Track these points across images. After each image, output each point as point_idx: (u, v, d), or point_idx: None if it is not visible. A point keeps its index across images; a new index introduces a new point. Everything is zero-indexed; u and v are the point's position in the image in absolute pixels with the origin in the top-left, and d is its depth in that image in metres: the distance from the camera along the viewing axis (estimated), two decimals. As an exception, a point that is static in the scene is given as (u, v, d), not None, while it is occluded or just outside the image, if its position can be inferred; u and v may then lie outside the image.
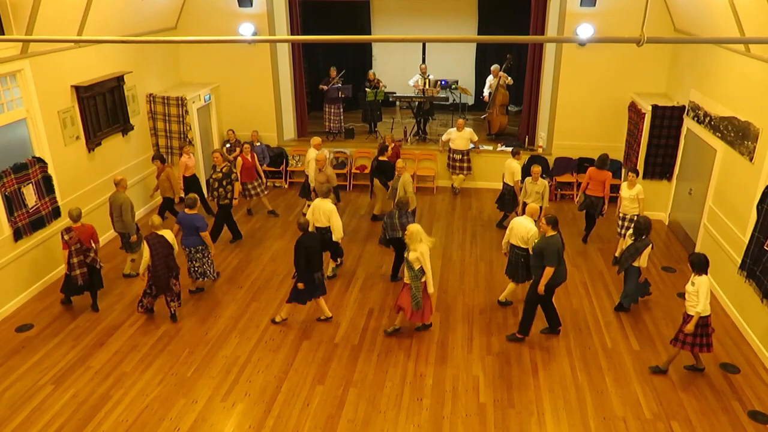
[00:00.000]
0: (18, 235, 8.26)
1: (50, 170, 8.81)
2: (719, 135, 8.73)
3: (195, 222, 8.23)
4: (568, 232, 10.10)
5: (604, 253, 9.80)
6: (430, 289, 7.28)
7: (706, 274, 6.66)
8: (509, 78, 13.27)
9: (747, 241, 7.57)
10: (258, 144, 12.52)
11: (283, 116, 13.32)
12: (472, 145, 12.23)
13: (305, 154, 11.47)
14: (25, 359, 7.26)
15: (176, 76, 12.69)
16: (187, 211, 8.34)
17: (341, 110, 13.59)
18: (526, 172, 12.37)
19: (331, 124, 13.54)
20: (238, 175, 10.37)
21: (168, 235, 7.76)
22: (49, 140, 8.80)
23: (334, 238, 8.61)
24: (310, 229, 8.07)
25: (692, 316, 6.55)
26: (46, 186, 8.72)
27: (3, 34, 7.86)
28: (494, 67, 13.47)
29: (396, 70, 15.19)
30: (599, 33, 11.27)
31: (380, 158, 10.88)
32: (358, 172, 12.92)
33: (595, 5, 11.14)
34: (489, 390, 6.73)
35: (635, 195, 9.00)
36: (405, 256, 7.25)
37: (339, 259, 9.34)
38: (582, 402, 6.54)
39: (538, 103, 12.58)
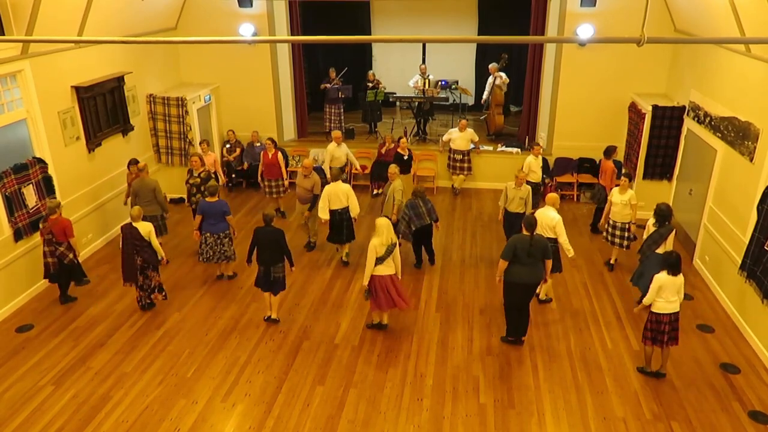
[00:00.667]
0: (18, 235, 8.26)
1: (50, 171, 8.81)
2: (719, 135, 8.73)
3: (222, 207, 8.58)
4: (569, 233, 10.06)
5: (604, 253, 9.79)
6: (364, 282, 7.42)
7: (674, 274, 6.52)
8: (504, 77, 13.26)
9: (747, 242, 7.56)
10: (258, 144, 12.53)
11: (283, 116, 13.32)
12: (472, 146, 12.23)
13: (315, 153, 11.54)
14: (25, 360, 7.27)
15: (176, 77, 12.70)
16: (209, 199, 8.58)
17: (341, 110, 13.59)
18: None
19: (332, 125, 13.54)
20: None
21: (142, 228, 7.84)
22: (49, 141, 8.81)
23: (352, 215, 9.24)
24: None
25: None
26: (46, 186, 8.72)
27: (3, 34, 7.87)
28: (492, 65, 13.48)
29: (396, 70, 15.20)
30: (599, 33, 11.27)
31: (404, 156, 11.22)
32: (358, 172, 12.90)
33: (595, 5, 11.13)
34: (489, 390, 6.73)
35: (627, 200, 8.74)
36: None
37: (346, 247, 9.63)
38: (582, 402, 6.54)
39: (538, 103, 12.59)
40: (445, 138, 12.31)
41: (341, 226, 9.23)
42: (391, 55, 15.86)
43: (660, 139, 10.50)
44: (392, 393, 6.68)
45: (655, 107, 10.37)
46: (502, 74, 13.28)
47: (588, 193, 12.18)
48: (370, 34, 15.50)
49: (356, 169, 11.63)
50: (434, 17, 15.10)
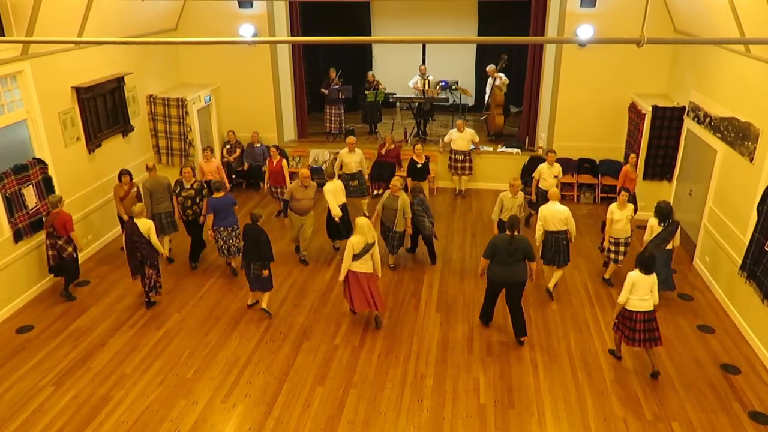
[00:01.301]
0: (18, 236, 8.27)
1: (50, 171, 8.81)
2: (719, 136, 8.73)
3: (231, 200, 8.99)
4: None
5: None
6: (340, 277, 7.72)
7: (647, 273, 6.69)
8: (504, 78, 13.26)
9: (747, 242, 7.57)
10: (258, 145, 12.54)
11: (283, 117, 13.33)
12: (473, 146, 12.22)
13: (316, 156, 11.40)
14: (25, 360, 7.27)
15: (176, 77, 12.70)
16: (216, 195, 8.79)
17: (342, 111, 13.59)
18: (527, 173, 12.43)
19: (332, 125, 13.55)
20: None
21: (142, 224, 8.02)
22: (49, 141, 8.81)
23: (334, 214, 9.39)
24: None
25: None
26: (46, 187, 8.73)
27: (3, 35, 7.88)
28: (489, 67, 13.47)
29: (396, 71, 15.19)
30: (599, 34, 11.27)
31: (418, 165, 11.02)
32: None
33: (595, 6, 11.14)
34: (489, 391, 6.73)
35: (627, 217, 8.44)
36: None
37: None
38: (582, 403, 6.54)
39: (539, 103, 12.58)
40: (446, 139, 12.30)
41: (340, 222, 9.49)
42: (391, 56, 15.86)
43: (660, 139, 10.50)
44: (392, 393, 6.68)
45: (655, 108, 10.37)
46: (502, 75, 13.28)
47: (588, 193, 12.19)
48: (370, 34, 15.50)
49: (366, 179, 11.12)
50: (434, 18, 15.10)
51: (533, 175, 10.38)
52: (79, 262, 8.75)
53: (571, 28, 11.44)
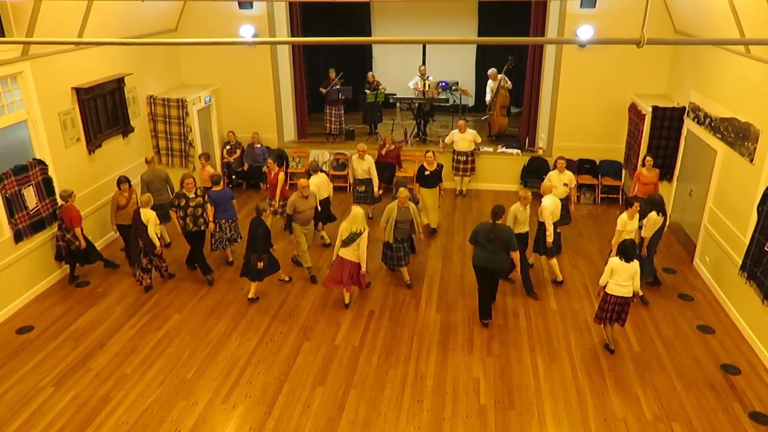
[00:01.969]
0: (18, 237, 8.27)
1: (51, 172, 8.82)
2: (719, 136, 8.73)
3: (230, 194, 9.34)
4: (568, 234, 10.09)
5: (605, 254, 9.78)
6: (332, 257, 8.27)
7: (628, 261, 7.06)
8: (509, 82, 13.25)
9: (747, 243, 7.56)
10: (258, 146, 12.54)
11: (283, 118, 13.33)
12: (474, 147, 12.21)
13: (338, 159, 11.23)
14: (25, 361, 7.27)
15: (177, 78, 12.71)
16: (216, 188, 9.18)
17: (342, 112, 13.59)
18: (526, 173, 12.43)
19: (332, 126, 13.55)
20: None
21: (144, 214, 8.31)
22: (49, 142, 8.81)
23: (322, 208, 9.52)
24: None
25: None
26: (46, 188, 8.73)
27: (3, 36, 7.89)
28: (492, 71, 13.47)
29: (396, 71, 15.20)
30: (599, 34, 11.28)
31: (426, 172, 10.22)
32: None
33: (595, 6, 11.15)
34: (489, 391, 6.72)
35: (635, 228, 8.20)
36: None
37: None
38: (583, 403, 6.53)
39: (539, 104, 12.58)
40: (447, 140, 12.29)
41: (327, 211, 10.00)
42: (392, 57, 15.87)
43: (660, 140, 10.50)
44: (392, 394, 6.68)
45: (655, 108, 10.37)
46: (506, 77, 13.25)
47: (588, 194, 12.18)
48: (370, 35, 15.51)
49: (376, 191, 10.62)
50: (434, 18, 15.11)
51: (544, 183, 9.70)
52: (96, 247, 9.22)
53: (571, 28, 11.44)
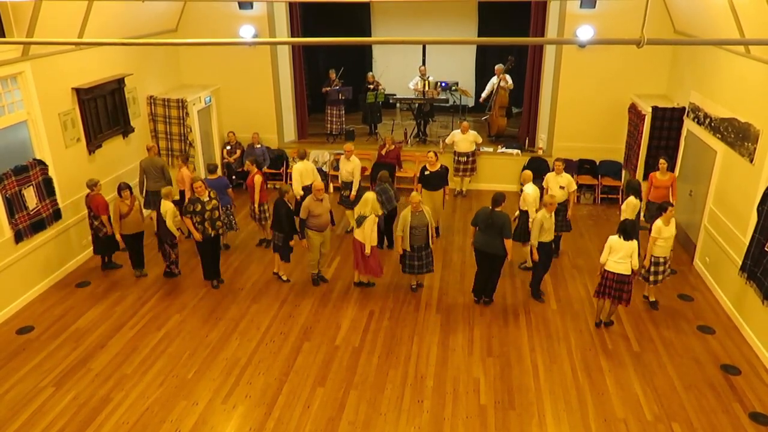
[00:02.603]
0: (19, 237, 8.27)
1: (51, 172, 8.82)
2: (719, 136, 8.73)
3: (225, 182, 9.66)
4: (568, 234, 10.08)
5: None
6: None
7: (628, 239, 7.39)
8: (510, 81, 13.25)
9: (747, 243, 7.57)
10: (259, 146, 12.54)
11: (283, 118, 13.33)
12: (475, 147, 12.21)
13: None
14: (25, 361, 7.27)
15: (177, 78, 12.71)
16: (211, 176, 9.53)
17: (343, 112, 13.59)
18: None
19: (333, 126, 13.56)
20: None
21: (162, 206, 8.60)
22: (49, 142, 8.81)
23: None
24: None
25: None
26: (46, 188, 8.73)
27: (4, 36, 7.89)
28: (498, 66, 13.40)
29: (396, 71, 15.18)
30: (599, 34, 11.28)
31: (426, 172, 10.01)
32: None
33: (595, 7, 11.15)
34: (490, 391, 6.73)
35: (673, 234, 7.96)
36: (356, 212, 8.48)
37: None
38: (583, 403, 6.54)
39: (539, 104, 12.59)
40: (447, 140, 12.29)
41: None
42: (392, 57, 15.85)
43: (660, 140, 10.51)
44: (393, 394, 6.68)
45: (654, 108, 10.38)
46: (507, 76, 13.25)
47: (588, 194, 12.18)
48: (370, 35, 15.51)
49: (352, 194, 10.30)
50: (434, 19, 15.10)
51: (543, 185, 9.64)
52: (117, 240, 9.20)
53: (571, 28, 11.44)
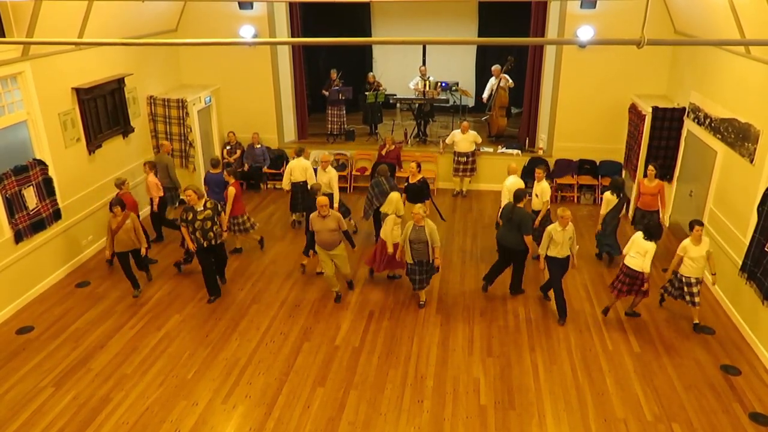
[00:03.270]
0: (19, 237, 8.27)
1: (51, 172, 8.82)
2: (720, 137, 8.73)
3: (223, 180, 9.57)
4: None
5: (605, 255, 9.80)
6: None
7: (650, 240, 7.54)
8: (510, 80, 13.25)
9: (747, 243, 7.56)
10: (259, 146, 12.55)
11: (283, 118, 13.33)
12: (475, 147, 12.21)
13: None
14: (25, 361, 7.27)
15: (177, 78, 12.71)
16: (213, 171, 9.88)
17: (343, 112, 13.60)
18: (526, 174, 12.42)
19: (333, 126, 13.56)
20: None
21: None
22: (49, 142, 8.81)
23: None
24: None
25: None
26: (46, 188, 8.73)
27: (4, 36, 7.89)
28: (495, 67, 13.43)
29: (396, 72, 15.20)
30: (599, 35, 11.28)
31: (410, 182, 9.66)
32: (359, 174, 12.94)
33: (595, 7, 11.15)
34: (490, 392, 6.72)
35: (706, 253, 7.48)
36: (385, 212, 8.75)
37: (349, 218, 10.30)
38: (583, 404, 6.53)
39: (539, 104, 12.59)
40: (448, 140, 12.29)
41: (298, 197, 10.37)
42: (392, 57, 15.87)
43: (660, 140, 10.50)
44: (393, 394, 6.68)
45: (655, 109, 10.37)
46: (507, 77, 13.26)
47: (588, 194, 12.18)
48: (370, 35, 15.52)
49: (335, 206, 9.76)
50: (434, 19, 15.11)
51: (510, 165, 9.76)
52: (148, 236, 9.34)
53: (571, 29, 11.44)
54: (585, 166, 12.32)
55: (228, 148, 12.64)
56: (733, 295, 8.13)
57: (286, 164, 12.91)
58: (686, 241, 7.56)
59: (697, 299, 7.66)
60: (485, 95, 13.61)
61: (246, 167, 12.64)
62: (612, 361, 7.24)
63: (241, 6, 12.02)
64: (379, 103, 13.63)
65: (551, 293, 8.29)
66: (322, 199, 8.05)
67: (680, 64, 10.87)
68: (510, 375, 7.00)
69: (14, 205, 8.17)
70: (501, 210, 8.52)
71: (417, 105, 13.48)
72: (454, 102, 14.35)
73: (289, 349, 7.51)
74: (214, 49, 12.48)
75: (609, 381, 6.90)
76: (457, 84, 14.28)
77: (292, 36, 12.66)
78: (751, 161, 7.74)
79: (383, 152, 11.84)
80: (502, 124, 13.43)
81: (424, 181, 9.69)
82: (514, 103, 14.34)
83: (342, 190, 12.45)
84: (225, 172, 9.53)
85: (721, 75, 8.87)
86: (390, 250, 8.45)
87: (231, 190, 9.26)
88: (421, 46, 15.42)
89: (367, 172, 12.44)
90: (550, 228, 7.79)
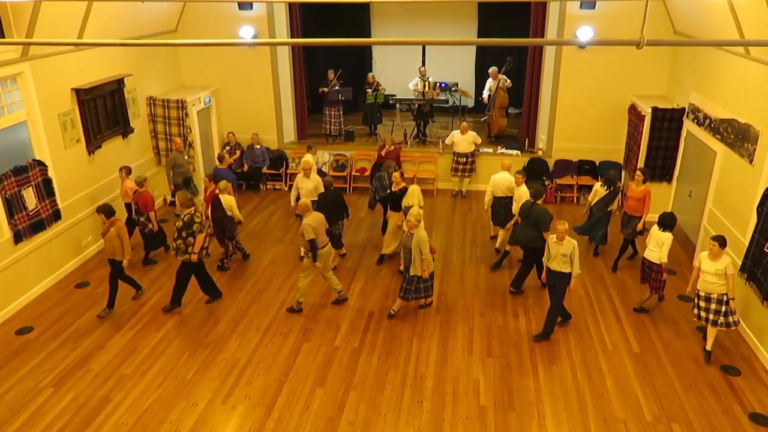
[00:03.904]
0: (18, 237, 8.26)
1: (50, 173, 8.82)
2: (719, 137, 8.73)
3: (231, 175, 9.95)
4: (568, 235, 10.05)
5: (605, 255, 9.80)
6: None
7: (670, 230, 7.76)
8: (509, 81, 13.26)
9: (747, 244, 7.57)
10: (258, 147, 12.55)
11: (283, 119, 13.33)
12: (474, 148, 12.21)
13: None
14: (25, 362, 7.26)
15: (177, 79, 12.71)
16: (220, 165, 10.10)
17: (341, 113, 13.59)
18: (527, 175, 12.41)
19: (331, 127, 13.55)
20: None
21: (225, 201, 8.96)
22: (49, 143, 8.81)
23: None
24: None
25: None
26: (46, 189, 8.73)
27: (3, 37, 7.89)
28: (492, 69, 13.46)
29: (396, 72, 15.20)
30: (599, 35, 11.29)
31: (393, 190, 9.40)
32: (358, 174, 12.94)
33: (594, 8, 11.16)
34: (489, 392, 6.72)
35: (723, 270, 6.91)
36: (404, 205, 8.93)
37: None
38: (582, 404, 6.53)
39: (538, 105, 12.59)
40: (447, 141, 12.29)
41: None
42: (391, 57, 15.87)
43: (660, 140, 10.51)
44: (392, 395, 6.68)
45: (654, 109, 10.38)
46: (506, 77, 13.26)
47: (588, 194, 12.17)
48: (370, 36, 15.53)
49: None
50: (434, 19, 15.11)
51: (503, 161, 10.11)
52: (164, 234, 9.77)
53: (570, 29, 11.45)
54: (585, 167, 12.32)
55: (228, 148, 12.63)
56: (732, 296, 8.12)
57: (286, 165, 13.02)
58: (703, 253, 7.14)
59: (712, 316, 7.02)
60: (484, 96, 13.62)
61: (246, 168, 12.63)
62: (612, 362, 7.24)
63: (241, 7, 12.03)
64: (378, 103, 13.63)
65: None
66: (304, 202, 8.12)
67: (680, 64, 10.87)
68: (510, 375, 7.00)
69: (14, 206, 8.17)
70: (520, 208, 8.58)
71: (416, 105, 13.48)
72: (454, 102, 14.35)
73: (288, 349, 7.50)
74: (214, 50, 12.49)
75: (609, 381, 6.90)
76: (457, 84, 14.29)
77: (292, 36, 12.66)
78: (751, 162, 7.75)
79: (383, 153, 11.84)
80: (502, 125, 13.43)
81: (405, 189, 9.28)
82: (513, 103, 14.35)
83: (342, 190, 12.49)
84: (204, 177, 9.80)
85: (721, 75, 8.87)
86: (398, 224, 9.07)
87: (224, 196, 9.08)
88: (421, 47, 15.42)
89: (367, 173, 12.44)
90: (548, 240, 7.54)
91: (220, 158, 10.38)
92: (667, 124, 10.39)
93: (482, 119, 14.40)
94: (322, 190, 9.37)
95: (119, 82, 10.38)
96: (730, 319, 7.02)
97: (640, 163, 10.72)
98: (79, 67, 9.43)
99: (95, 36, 9.34)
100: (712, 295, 7.02)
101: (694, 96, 9.79)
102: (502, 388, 6.78)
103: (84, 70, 9.55)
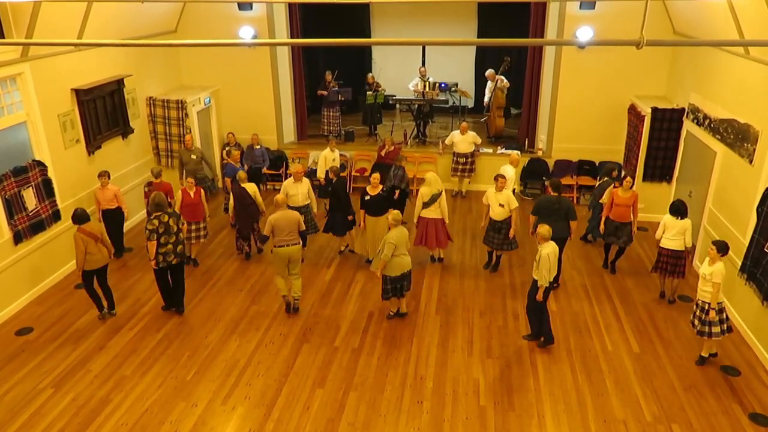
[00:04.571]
0: (18, 238, 8.26)
1: (50, 173, 8.82)
2: (719, 137, 8.73)
3: (234, 169, 10.12)
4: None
5: (602, 255, 9.79)
6: (416, 222, 9.27)
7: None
8: (506, 81, 13.27)
9: (747, 244, 7.57)
10: (258, 147, 12.53)
11: (283, 119, 13.33)
12: (474, 148, 12.22)
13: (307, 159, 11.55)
14: (24, 363, 7.26)
15: (176, 79, 12.71)
16: (227, 159, 10.59)
17: (339, 114, 13.60)
18: (526, 174, 12.43)
19: (330, 128, 13.55)
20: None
21: (249, 188, 9.25)
22: (49, 143, 8.81)
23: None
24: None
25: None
26: (46, 189, 8.73)
27: (3, 37, 7.89)
28: (489, 72, 13.48)
29: (396, 72, 15.20)
30: (599, 36, 11.29)
31: (366, 197, 9.07)
32: (358, 174, 12.93)
33: (594, 8, 11.16)
34: (489, 393, 6.72)
35: (710, 275, 6.71)
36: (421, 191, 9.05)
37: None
38: (582, 405, 6.53)
39: (538, 105, 12.59)
40: (447, 141, 12.29)
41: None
42: (391, 58, 15.87)
43: (660, 141, 10.51)
44: (392, 396, 6.67)
45: (654, 109, 10.38)
46: (503, 77, 13.28)
47: (588, 195, 12.17)
48: (369, 36, 15.53)
49: (315, 212, 9.83)
50: (434, 20, 15.11)
51: (483, 201, 9.22)
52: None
53: (570, 29, 11.45)
54: (584, 167, 12.32)
55: (227, 149, 12.61)
56: (732, 296, 8.12)
57: (286, 165, 13.02)
58: (708, 263, 6.84)
59: (699, 326, 6.91)
60: (486, 99, 13.63)
61: (245, 168, 12.61)
62: (611, 362, 7.24)
63: (241, 7, 12.02)
64: (378, 103, 13.63)
65: (552, 292, 8.26)
66: (280, 196, 8.48)
67: (679, 64, 10.87)
68: (509, 376, 7.00)
69: (13, 206, 8.17)
70: (537, 205, 8.49)
71: (416, 106, 13.49)
72: (454, 103, 14.35)
73: (288, 350, 7.50)
74: (214, 50, 12.49)
75: (608, 382, 6.89)
76: (457, 85, 14.29)
77: (292, 37, 12.66)
78: (751, 162, 7.75)
79: (382, 153, 11.85)
80: (501, 125, 13.44)
81: (386, 193, 9.22)
82: (513, 103, 14.35)
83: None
84: (189, 179, 9.28)
85: (721, 76, 8.87)
86: (448, 221, 9.28)
87: (204, 194, 9.40)
88: (421, 47, 15.42)
89: (367, 173, 12.44)
90: (539, 247, 7.20)
91: (228, 153, 10.72)
92: (667, 124, 10.39)
93: (482, 120, 14.39)
94: (313, 194, 9.71)
95: (119, 83, 10.38)
96: (707, 329, 6.85)
97: (640, 164, 10.72)
98: (78, 68, 9.43)
99: (95, 36, 9.34)
100: (698, 301, 6.96)
101: (694, 96, 9.79)
102: (502, 389, 6.78)
103: (84, 70, 9.55)
